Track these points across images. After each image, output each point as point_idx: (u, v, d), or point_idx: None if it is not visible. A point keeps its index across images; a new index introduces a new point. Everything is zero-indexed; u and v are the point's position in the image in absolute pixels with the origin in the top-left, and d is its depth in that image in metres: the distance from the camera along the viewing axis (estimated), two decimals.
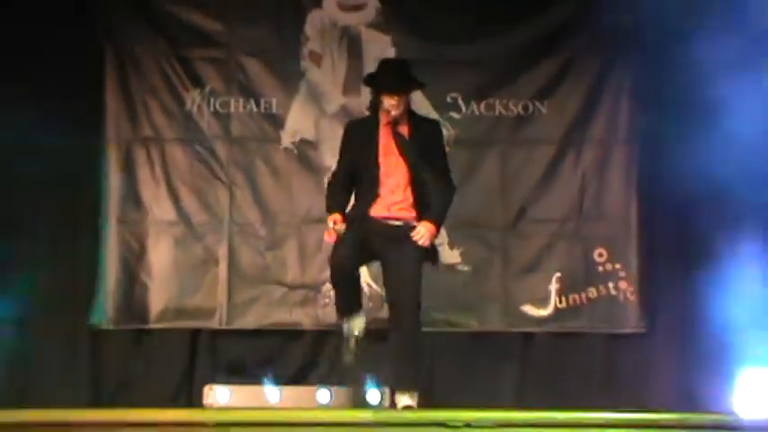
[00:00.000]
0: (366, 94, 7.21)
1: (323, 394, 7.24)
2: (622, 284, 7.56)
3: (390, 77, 6.26)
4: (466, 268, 7.58)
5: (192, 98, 7.65)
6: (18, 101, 7.21)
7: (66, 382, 7.41)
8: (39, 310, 7.41)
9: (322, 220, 6.89)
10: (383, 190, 6.21)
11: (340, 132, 6.95)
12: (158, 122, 7.64)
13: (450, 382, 7.46)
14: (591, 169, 7.64)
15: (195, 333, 7.58)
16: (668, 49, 7.40)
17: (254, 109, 7.65)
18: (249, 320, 7.54)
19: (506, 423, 5.38)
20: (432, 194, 6.26)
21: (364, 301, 6.86)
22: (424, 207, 6.22)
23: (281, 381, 7.35)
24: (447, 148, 6.97)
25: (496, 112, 7.69)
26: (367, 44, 7.66)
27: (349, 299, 6.32)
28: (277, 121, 7.66)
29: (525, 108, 7.69)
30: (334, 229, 6.11)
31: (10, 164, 7.28)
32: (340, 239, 6.15)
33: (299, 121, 7.65)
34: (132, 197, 7.60)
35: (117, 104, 7.60)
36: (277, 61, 7.68)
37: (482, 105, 7.69)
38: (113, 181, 7.58)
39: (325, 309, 7.49)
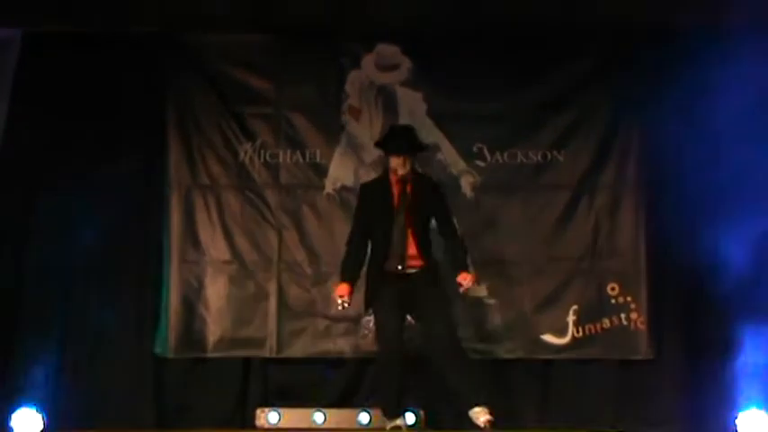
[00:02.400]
0: None
1: (363, 416, 7.34)
2: (633, 315, 7.67)
3: (398, 141, 6.73)
4: (492, 301, 7.70)
5: (245, 150, 7.81)
6: (95, 153, 7.54)
7: (133, 407, 7.53)
8: (111, 342, 7.57)
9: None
10: (396, 244, 6.63)
11: None
12: (214, 171, 7.79)
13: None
14: (603, 211, 7.74)
15: (248, 361, 7.69)
16: (674, 101, 7.53)
17: (300, 159, 7.82)
18: (296, 349, 7.64)
19: None
20: (453, 248, 6.75)
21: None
22: (429, 254, 6.66)
23: (325, 404, 7.47)
24: (473, 193, 7.65)
25: (518, 161, 7.81)
26: (401, 100, 7.82)
27: (399, 387, 6.61)
28: (321, 170, 7.80)
29: (544, 157, 7.82)
30: (340, 303, 6.56)
31: (92, 208, 7.49)
32: (381, 323, 6.60)
33: (340, 170, 7.78)
34: (191, 239, 7.71)
35: (178, 155, 7.73)
36: (320, 116, 7.82)
37: (505, 154, 7.82)
38: (175, 224, 7.70)
39: (364, 339, 7.58)
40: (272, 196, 7.82)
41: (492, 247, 7.66)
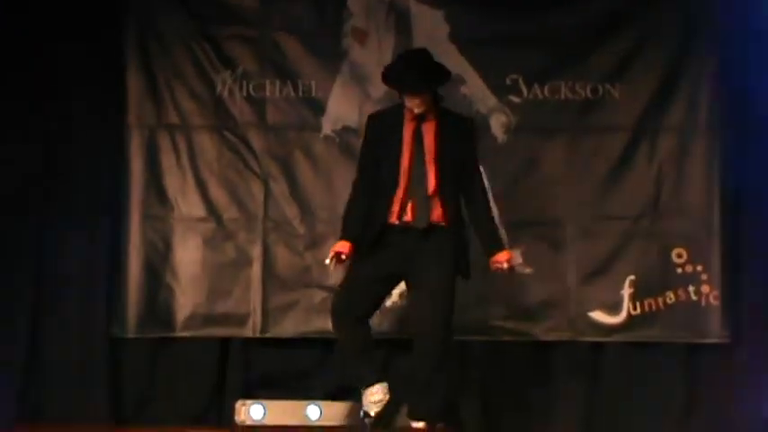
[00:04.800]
0: None
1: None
2: (704, 288, 7.29)
3: (410, 76, 6.33)
4: (527, 270, 7.34)
5: (223, 81, 7.46)
6: (29, 84, 7.23)
7: (82, 397, 7.23)
8: (52, 314, 7.28)
9: None
10: (405, 192, 6.30)
11: None
12: (185, 107, 7.45)
13: (510, 397, 7.23)
14: (668, 160, 7.39)
15: (226, 342, 7.39)
16: (757, 24, 7.26)
17: (292, 93, 7.44)
18: (286, 328, 7.37)
19: None
20: (481, 215, 6.41)
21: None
22: (454, 213, 6.31)
23: (320, 396, 7.15)
24: (505, 136, 7.40)
25: (562, 96, 7.45)
26: (416, 20, 7.45)
27: (358, 360, 6.36)
28: (317, 107, 7.46)
29: (594, 91, 7.44)
30: (335, 263, 6.32)
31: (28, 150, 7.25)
32: (347, 278, 6.32)
33: (341, 107, 7.43)
34: (156, 190, 7.44)
35: (139, 87, 7.45)
36: (317, 39, 7.49)
37: (546, 88, 7.44)
38: (135, 171, 7.44)
39: (372, 319, 7.03)
40: (256, 138, 7.48)
41: (529, 204, 7.39)
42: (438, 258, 6.31)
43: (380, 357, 6.82)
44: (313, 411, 6.95)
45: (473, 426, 7.04)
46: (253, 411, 6.90)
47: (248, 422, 6.89)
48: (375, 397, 6.33)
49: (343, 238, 6.43)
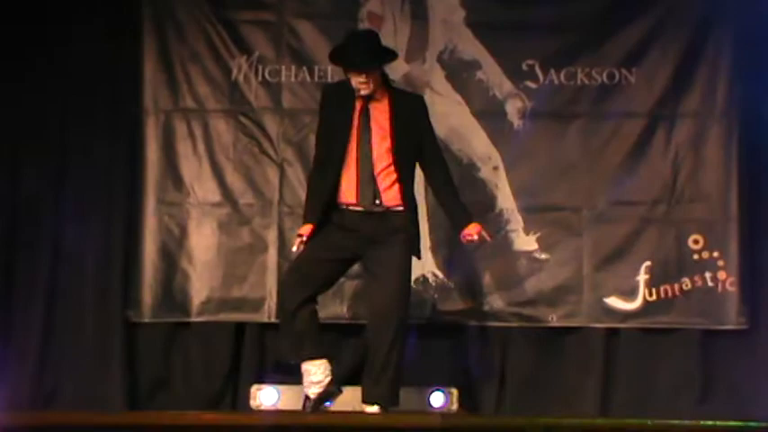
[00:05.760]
0: (433, 62, 7.29)
1: None
2: (721, 274, 7.26)
3: (355, 52, 6.28)
4: (543, 256, 7.35)
5: (239, 65, 7.46)
6: (46, 67, 7.22)
7: (97, 381, 7.25)
8: (68, 300, 7.28)
9: None
10: (354, 172, 6.24)
11: None
12: (201, 92, 7.46)
13: (525, 383, 7.23)
14: (685, 145, 7.37)
15: (241, 327, 7.40)
16: None
17: (308, 78, 7.44)
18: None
19: (590, 430, 5.50)
20: (444, 185, 6.33)
21: (429, 293, 7.17)
22: (410, 194, 6.25)
23: (336, 381, 6.71)
24: (521, 122, 7.35)
25: (578, 82, 7.44)
26: (433, 5, 7.44)
27: (301, 335, 6.22)
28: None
29: (611, 77, 7.42)
30: (296, 244, 6.26)
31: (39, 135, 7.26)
32: (300, 256, 6.21)
33: None
34: (172, 175, 7.44)
35: (155, 72, 7.45)
36: (333, 24, 7.42)
37: (562, 74, 7.43)
38: (150, 156, 7.43)
39: None
40: (271, 123, 7.48)
41: (544, 189, 7.37)
42: (394, 241, 6.24)
43: (327, 340, 6.73)
44: None
45: (490, 411, 7.03)
46: (267, 396, 6.88)
47: (263, 407, 6.88)
48: (315, 377, 6.23)
49: (307, 222, 6.33)
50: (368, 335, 6.28)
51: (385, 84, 6.34)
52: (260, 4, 7.44)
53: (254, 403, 6.95)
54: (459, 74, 7.21)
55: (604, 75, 7.39)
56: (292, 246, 6.38)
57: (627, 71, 7.37)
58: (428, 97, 7.01)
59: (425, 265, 7.13)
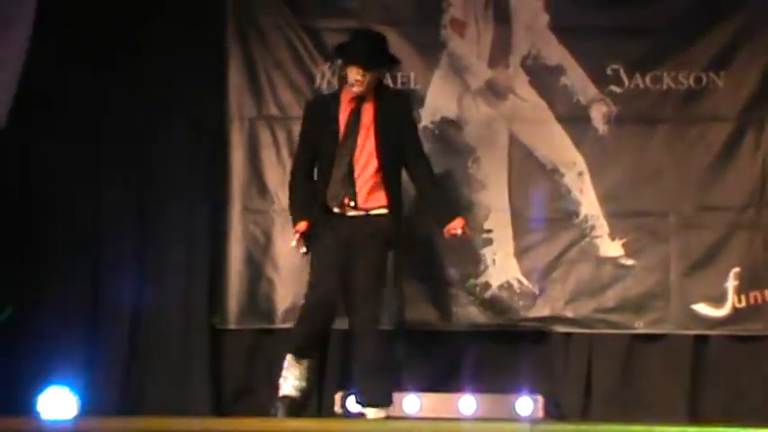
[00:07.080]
0: (516, 67, 7.27)
1: (467, 403, 7.05)
2: None
3: (360, 48, 6.41)
4: (629, 262, 7.26)
5: (322, 73, 7.44)
6: (132, 75, 7.25)
7: (183, 388, 7.28)
8: (154, 307, 7.31)
9: (468, 209, 7.10)
10: (344, 176, 6.32)
11: (486, 111, 7.23)
12: (284, 99, 7.46)
13: (611, 391, 7.15)
14: None
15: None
16: None
17: (391, 85, 7.32)
18: (382, 319, 7.04)
19: None
20: (427, 181, 6.44)
21: (514, 299, 7.17)
22: (396, 196, 6.38)
23: (419, 388, 7.14)
24: (606, 127, 7.30)
25: (664, 86, 7.35)
26: (516, 10, 7.39)
27: (310, 339, 6.42)
28: (415, 98, 7.38)
29: (698, 80, 7.33)
30: (298, 240, 6.43)
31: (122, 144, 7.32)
32: (314, 273, 6.39)
33: (439, 98, 7.39)
34: (256, 183, 7.44)
35: (239, 79, 7.47)
36: (415, 30, 7.43)
37: (647, 78, 7.35)
38: (236, 163, 7.45)
39: (467, 308, 7.25)
40: None
41: (630, 195, 7.30)
42: (372, 246, 6.33)
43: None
44: (412, 403, 6.94)
45: (575, 418, 7.00)
46: (350, 403, 6.82)
47: (346, 413, 6.90)
48: (295, 382, 6.35)
49: (298, 220, 6.45)
50: (355, 335, 6.39)
51: (377, 90, 6.41)
52: (343, 12, 7.42)
53: (338, 410, 7.00)
54: (543, 79, 7.20)
55: (691, 78, 7.31)
56: (293, 242, 6.43)
57: (714, 74, 7.29)
58: (512, 103, 7.09)
59: (510, 271, 7.15)
